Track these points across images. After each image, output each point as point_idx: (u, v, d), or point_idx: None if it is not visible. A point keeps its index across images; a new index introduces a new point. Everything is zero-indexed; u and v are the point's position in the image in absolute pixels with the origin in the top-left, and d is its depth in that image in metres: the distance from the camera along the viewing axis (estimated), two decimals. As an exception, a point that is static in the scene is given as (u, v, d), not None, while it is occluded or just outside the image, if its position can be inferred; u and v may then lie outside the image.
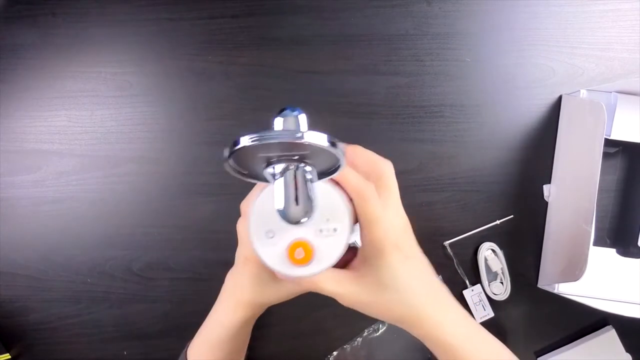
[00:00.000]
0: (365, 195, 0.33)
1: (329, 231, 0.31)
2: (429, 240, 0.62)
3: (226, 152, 0.26)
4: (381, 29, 0.60)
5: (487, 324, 0.61)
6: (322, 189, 0.31)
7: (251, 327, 0.48)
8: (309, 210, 0.28)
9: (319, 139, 0.25)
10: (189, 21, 0.60)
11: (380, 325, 0.62)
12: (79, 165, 0.61)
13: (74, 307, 0.62)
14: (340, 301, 0.36)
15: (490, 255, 0.61)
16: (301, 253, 0.31)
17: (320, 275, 0.33)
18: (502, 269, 0.61)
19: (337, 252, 0.31)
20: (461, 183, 0.61)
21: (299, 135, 0.25)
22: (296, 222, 0.28)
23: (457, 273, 0.62)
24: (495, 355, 0.37)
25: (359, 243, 0.36)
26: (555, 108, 0.61)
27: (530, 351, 0.63)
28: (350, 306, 0.37)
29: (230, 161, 0.27)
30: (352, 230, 0.32)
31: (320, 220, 0.31)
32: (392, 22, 0.60)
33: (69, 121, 0.61)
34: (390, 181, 0.37)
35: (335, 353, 0.62)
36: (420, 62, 0.61)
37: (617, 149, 0.61)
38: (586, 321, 0.62)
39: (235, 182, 0.65)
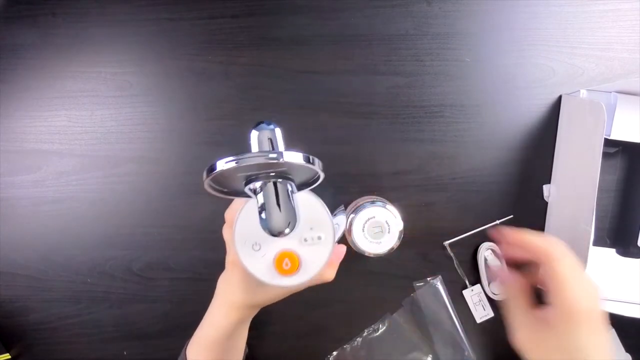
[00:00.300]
0: (554, 255, 0.35)
1: (313, 239, 0.32)
2: (429, 240, 0.62)
3: (204, 176, 0.28)
4: (381, 29, 0.60)
5: (488, 324, 0.61)
6: (303, 199, 0.31)
7: (247, 328, 0.48)
8: (291, 222, 0.28)
9: (295, 158, 0.26)
10: (189, 21, 0.60)
11: (380, 326, 0.62)
12: (79, 165, 0.61)
13: (74, 307, 0.62)
14: (515, 341, 0.38)
15: (490, 255, 0.61)
16: (288, 263, 0.31)
17: (518, 304, 0.36)
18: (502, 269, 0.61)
19: (323, 259, 0.32)
20: (461, 183, 0.61)
21: (274, 156, 0.25)
22: (279, 234, 0.29)
23: (457, 273, 0.62)
24: None
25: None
26: (555, 108, 0.61)
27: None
28: (522, 350, 0.38)
29: (209, 182, 0.29)
30: (335, 238, 0.32)
31: (304, 230, 0.31)
32: (392, 22, 0.60)
33: (69, 121, 0.61)
34: (569, 252, 0.37)
35: (335, 353, 0.62)
36: (420, 62, 0.61)
37: (617, 149, 0.61)
38: (586, 321, 0.62)
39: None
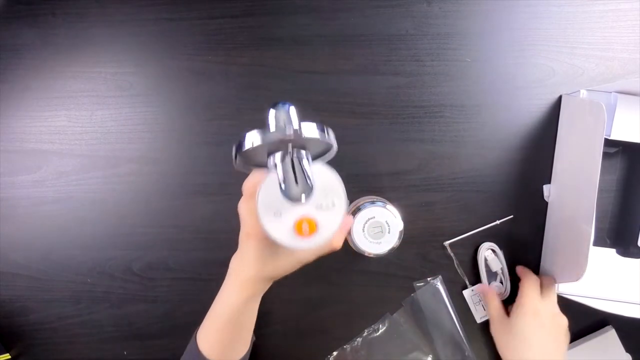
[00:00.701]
0: (527, 274, 0.59)
1: (328, 205, 0.36)
2: (429, 240, 0.62)
3: (233, 153, 0.32)
4: (381, 29, 0.60)
5: (487, 324, 0.61)
6: (318, 170, 0.36)
7: (257, 306, 0.49)
8: (307, 189, 0.33)
9: (311, 131, 0.31)
10: (189, 21, 0.60)
11: (380, 326, 0.62)
12: (79, 165, 0.61)
13: (74, 307, 0.62)
14: (490, 318, 0.60)
15: (490, 255, 0.61)
16: (307, 227, 0.35)
17: (492, 301, 0.58)
18: (502, 269, 0.61)
19: (336, 223, 0.36)
20: (461, 183, 0.61)
21: (293, 131, 0.30)
22: (298, 201, 0.34)
23: (457, 273, 0.62)
24: None
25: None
26: (555, 108, 0.61)
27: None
28: (493, 336, 0.59)
29: (237, 160, 0.33)
30: (348, 203, 0.37)
31: (319, 197, 0.35)
32: (392, 22, 0.60)
33: (69, 121, 0.61)
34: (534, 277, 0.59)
35: (335, 353, 0.62)
36: (420, 62, 0.61)
37: (617, 149, 0.61)
38: (586, 321, 0.62)
39: (235, 182, 0.65)
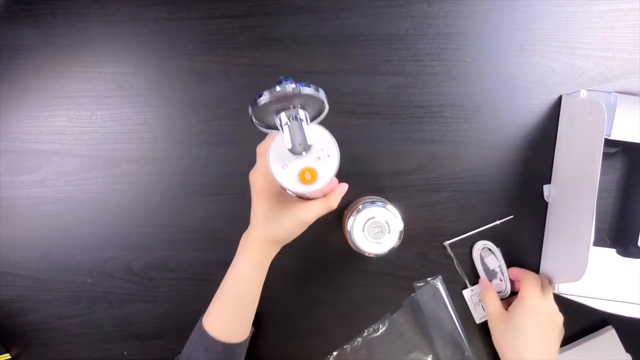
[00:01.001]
0: (528, 275, 0.59)
1: (324, 157, 0.44)
2: (429, 240, 0.62)
3: (250, 111, 0.40)
4: (381, 29, 0.60)
5: (487, 325, 0.61)
6: (315, 129, 0.43)
7: (262, 278, 0.53)
8: (307, 145, 0.42)
9: (307, 89, 0.39)
10: (189, 21, 0.60)
11: (380, 326, 0.62)
12: (79, 165, 0.61)
13: (74, 307, 0.62)
14: (488, 315, 0.60)
15: (486, 253, 0.61)
16: (308, 175, 0.44)
17: (490, 296, 0.60)
18: (499, 266, 0.61)
19: (332, 170, 0.44)
20: (461, 183, 0.61)
21: (292, 88, 0.39)
22: (300, 154, 0.43)
23: (457, 273, 0.62)
24: None
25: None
26: (555, 108, 0.61)
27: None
28: (492, 332, 0.60)
29: (253, 118, 0.41)
30: (339, 155, 0.44)
31: (317, 150, 0.44)
32: (392, 22, 0.60)
33: (69, 121, 0.61)
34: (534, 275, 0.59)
35: (335, 353, 0.62)
36: (420, 62, 0.61)
37: (617, 149, 0.61)
38: (586, 321, 0.62)
39: (235, 182, 0.65)
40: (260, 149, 0.48)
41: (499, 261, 0.61)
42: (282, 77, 0.40)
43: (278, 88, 0.39)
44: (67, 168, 0.61)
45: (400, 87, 0.61)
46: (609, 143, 0.57)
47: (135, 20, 0.60)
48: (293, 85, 0.39)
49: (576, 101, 0.58)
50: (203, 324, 0.52)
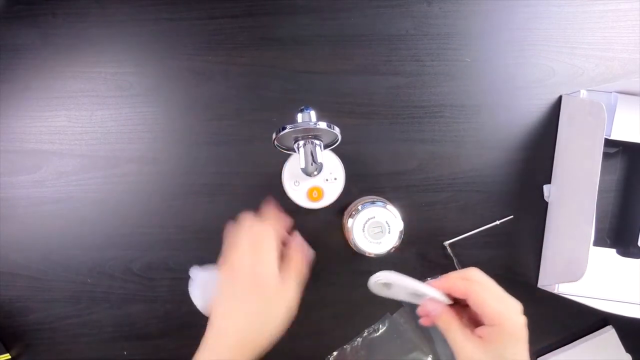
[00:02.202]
0: (476, 282, 0.41)
1: (332, 180, 0.51)
2: (429, 240, 0.62)
3: (273, 137, 0.46)
4: (381, 29, 0.60)
5: (487, 324, 0.61)
6: (327, 155, 0.50)
7: None
8: (318, 168, 0.48)
9: (323, 125, 0.45)
10: (189, 21, 0.60)
11: (380, 326, 0.62)
12: (79, 165, 0.61)
13: (74, 307, 0.62)
14: (457, 351, 0.41)
15: (383, 286, 0.44)
16: (316, 194, 0.51)
17: (454, 326, 0.41)
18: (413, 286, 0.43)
19: (337, 191, 0.52)
20: (461, 183, 0.61)
21: (313, 123, 0.45)
22: (311, 175, 0.50)
23: (457, 273, 0.62)
24: None
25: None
26: (555, 108, 0.61)
27: (530, 351, 0.63)
28: None
29: (276, 141, 0.46)
30: (344, 179, 0.53)
31: (326, 174, 0.51)
32: (392, 22, 0.60)
33: (69, 121, 0.61)
34: (484, 275, 0.43)
35: (335, 353, 0.62)
36: (420, 62, 0.61)
37: (617, 149, 0.61)
38: (586, 321, 0.62)
39: (235, 182, 0.65)
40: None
41: (406, 281, 0.42)
42: (303, 107, 0.46)
43: (300, 120, 0.46)
44: (67, 168, 0.61)
45: (400, 87, 0.61)
46: (609, 143, 0.57)
47: (135, 20, 0.60)
48: (312, 122, 0.45)
49: (576, 101, 0.58)
50: None
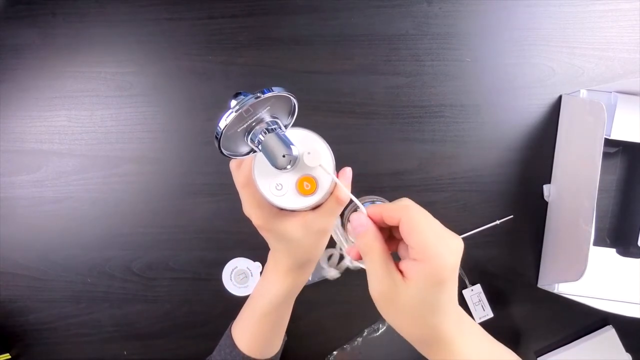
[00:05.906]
0: (409, 207, 0.35)
1: (315, 158, 0.37)
2: (429, 240, 0.62)
3: (216, 145, 0.33)
4: (381, 29, 0.60)
5: (487, 324, 0.61)
6: (294, 134, 0.38)
7: (292, 301, 0.50)
8: (292, 155, 0.35)
9: (263, 93, 0.33)
10: (189, 21, 0.60)
11: (380, 325, 0.62)
12: (79, 165, 0.61)
13: (74, 307, 0.62)
14: (371, 281, 0.36)
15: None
16: (307, 185, 0.38)
17: (376, 250, 0.35)
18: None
19: (329, 167, 0.38)
20: (461, 183, 0.61)
21: (257, 94, 0.32)
22: (286, 166, 0.36)
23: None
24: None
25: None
26: (555, 108, 0.61)
27: (530, 351, 0.63)
28: (377, 305, 0.37)
29: (223, 149, 0.34)
30: (329, 148, 0.39)
31: (305, 155, 0.37)
32: (392, 22, 0.60)
33: (69, 121, 0.61)
34: (421, 208, 0.37)
35: (335, 353, 0.62)
36: (420, 62, 0.61)
37: (617, 149, 0.61)
38: (586, 321, 0.62)
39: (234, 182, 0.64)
40: (238, 180, 0.41)
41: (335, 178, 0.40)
42: (233, 95, 0.34)
43: (234, 102, 0.33)
44: (67, 168, 0.61)
45: (400, 87, 0.61)
46: (609, 143, 0.57)
47: (135, 20, 0.60)
48: (255, 94, 0.33)
49: (576, 101, 0.58)
50: (235, 339, 0.48)
